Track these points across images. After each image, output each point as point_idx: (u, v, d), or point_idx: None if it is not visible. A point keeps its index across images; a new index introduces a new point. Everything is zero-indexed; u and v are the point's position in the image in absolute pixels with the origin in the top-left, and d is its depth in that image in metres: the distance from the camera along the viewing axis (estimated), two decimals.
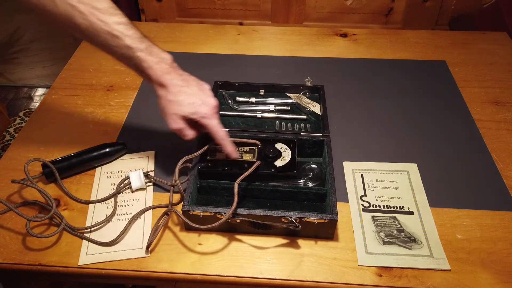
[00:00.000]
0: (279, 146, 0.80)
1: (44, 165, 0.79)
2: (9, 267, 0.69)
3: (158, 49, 0.68)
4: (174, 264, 0.69)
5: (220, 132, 0.71)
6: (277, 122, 0.91)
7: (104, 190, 0.80)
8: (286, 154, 0.79)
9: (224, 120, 0.90)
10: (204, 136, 0.81)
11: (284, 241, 0.72)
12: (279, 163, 0.77)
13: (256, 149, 0.79)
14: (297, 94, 0.96)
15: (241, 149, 0.80)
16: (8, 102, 2.17)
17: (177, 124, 0.70)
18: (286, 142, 0.81)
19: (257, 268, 0.68)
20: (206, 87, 0.73)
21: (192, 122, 0.71)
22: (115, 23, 0.64)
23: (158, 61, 0.67)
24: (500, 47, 1.16)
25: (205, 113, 0.70)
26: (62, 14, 0.62)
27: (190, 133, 0.71)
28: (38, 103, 2.04)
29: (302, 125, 0.90)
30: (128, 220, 0.74)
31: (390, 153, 0.86)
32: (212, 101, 0.71)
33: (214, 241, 0.72)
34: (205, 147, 0.77)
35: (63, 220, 0.72)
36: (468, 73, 1.07)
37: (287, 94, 0.97)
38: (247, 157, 0.78)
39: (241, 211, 0.69)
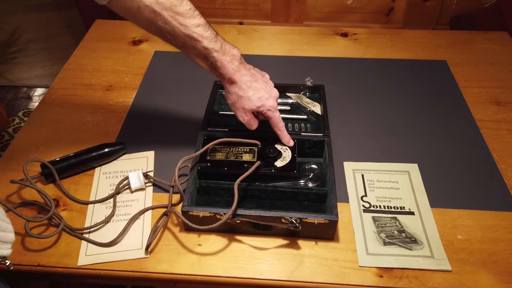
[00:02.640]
0: (279, 146, 0.80)
1: (43, 166, 0.79)
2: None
3: (229, 46, 0.71)
4: (173, 265, 0.68)
5: (280, 124, 0.77)
6: None
7: (103, 190, 0.80)
8: (286, 154, 0.78)
9: (224, 120, 0.90)
10: (206, 136, 0.81)
11: (284, 241, 0.71)
12: (279, 163, 0.77)
13: (256, 149, 0.79)
14: (297, 94, 0.96)
15: (241, 149, 0.79)
16: (7, 102, 2.17)
17: (246, 117, 0.75)
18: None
19: (257, 269, 0.68)
20: (268, 77, 0.78)
21: (256, 113, 0.76)
22: (194, 25, 0.66)
23: (230, 59, 0.70)
24: (501, 47, 1.15)
25: (271, 106, 0.75)
26: (146, 19, 0.65)
27: (255, 123, 0.77)
28: (37, 103, 2.04)
29: (302, 125, 0.89)
30: (127, 221, 0.74)
31: (391, 153, 0.86)
32: (276, 93, 0.76)
33: (214, 241, 0.71)
34: (205, 147, 0.77)
35: (62, 221, 0.72)
36: (469, 73, 1.07)
37: (287, 94, 0.97)
38: (247, 157, 0.78)
39: (241, 211, 0.69)
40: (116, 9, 0.64)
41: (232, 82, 0.72)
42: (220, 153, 0.79)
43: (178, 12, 0.64)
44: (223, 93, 0.96)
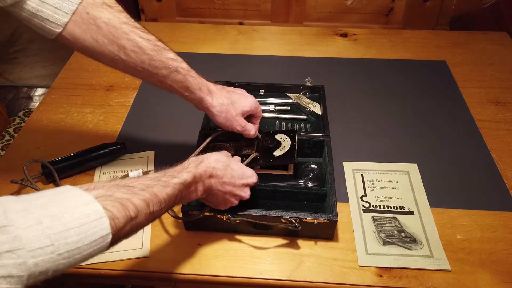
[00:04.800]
0: (279, 136, 0.78)
1: (44, 165, 0.79)
2: None
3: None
4: (173, 265, 0.68)
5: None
6: (277, 122, 0.91)
7: None
8: (285, 144, 0.77)
9: None
10: (205, 133, 0.80)
11: (284, 241, 0.71)
12: (277, 152, 0.75)
13: (256, 142, 0.78)
14: (297, 94, 0.96)
15: (241, 143, 0.78)
16: (7, 102, 2.17)
17: (245, 122, 0.72)
18: (287, 132, 0.79)
19: (257, 269, 0.68)
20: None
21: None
22: (156, 39, 0.65)
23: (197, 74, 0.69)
24: (500, 47, 1.15)
25: (256, 101, 0.73)
26: (106, 37, 0.62)
27: (252, 128, 0.73)
28: (37, 103, 2.04)
29: (302, 125, 0.89)
30: None
31: (391, 153, 0.86)
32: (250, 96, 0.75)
33: (214, 241, 0.72)
34: (204, 143, 0.76)
35: None
36: (468, 73, 1.07)
37: (287, 94, 0.97)
38: (247, 150, 0.77)
39: (241, 211, 0.69)
40: (72, 38, 0.60)
41: (210, 91, 0.69)
42: (220, 148, 0.78)
43: (137, 26, 0.63)
44: None
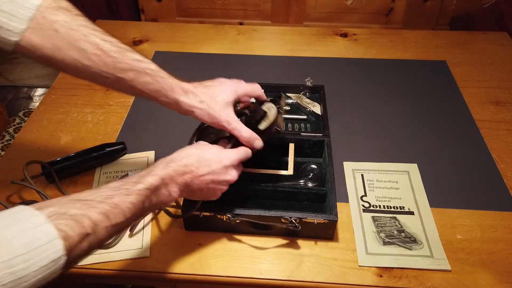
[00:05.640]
0: (266, 106, 0.70)
1: (43, 166, 0.79)
2: None
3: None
4: (173, 265, 0.69)
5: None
6: None
7: None
8: (270, 114, 0.69)
9: None
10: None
11: (284, 241, 0.71)
12: (262, 125, 0.68)
13: (244, 118, 0.70)
14: (297, 94, 0.96)
15: None
16: (7, 102, 2.17)
17: (233, 118, 0.63)
18: (274, 100, 0.71)
19: (257, 269, 0.68)
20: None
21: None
22: (118, 41, 0.61)
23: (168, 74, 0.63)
24: (500, 47, 1.15)
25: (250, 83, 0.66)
26: (65, 40, 0.58)
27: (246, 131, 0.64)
28: (37, 103, 2.04)
29: (302, 125, 0.89)
30: None
31: (391, 153, 0.86)
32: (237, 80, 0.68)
33: (214, 241, 0.72)
34: (195, 131, 0.72)
35: None
36: (468, 73, 1.07)
37: (287, 94, 0.97)
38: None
39: (241, 211, 0.69)
40: (30, 46, 0.56)
41: (185, 91, 0.62)
42: (205, 130, 0.73)
43: (96, 29, 0.59)
44: None
